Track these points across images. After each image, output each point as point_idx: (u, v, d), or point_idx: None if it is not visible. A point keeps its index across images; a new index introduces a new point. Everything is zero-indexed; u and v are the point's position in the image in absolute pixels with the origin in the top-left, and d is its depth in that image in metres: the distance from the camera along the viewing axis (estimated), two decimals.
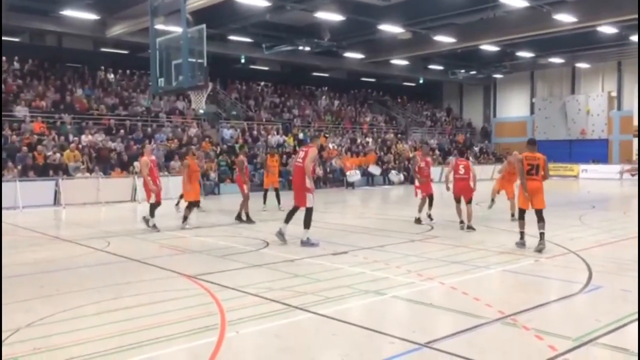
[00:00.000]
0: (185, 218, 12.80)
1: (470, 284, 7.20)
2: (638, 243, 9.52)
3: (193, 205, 13.14)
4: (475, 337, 5.17)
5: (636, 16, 22.30)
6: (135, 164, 21.15)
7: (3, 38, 23.88)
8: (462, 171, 12.67)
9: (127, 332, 5.27)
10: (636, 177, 30.43)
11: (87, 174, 19.80)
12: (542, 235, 9.26)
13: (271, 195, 16.41)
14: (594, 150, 34.48)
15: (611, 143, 34.92)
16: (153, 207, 12.42)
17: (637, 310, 5.81)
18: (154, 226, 12.33)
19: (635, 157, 33.04)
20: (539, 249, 9.15)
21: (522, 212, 9.62)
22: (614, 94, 34.87)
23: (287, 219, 10.09)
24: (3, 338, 5.12)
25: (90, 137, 22.10)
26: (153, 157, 13.05)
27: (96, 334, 5.22)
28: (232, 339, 5.15)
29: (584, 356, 4.75)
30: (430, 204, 13.58)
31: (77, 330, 5.37)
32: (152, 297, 6.58)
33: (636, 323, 5.51)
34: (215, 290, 6.82)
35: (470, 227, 11.97)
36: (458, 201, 12.52)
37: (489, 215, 15.30)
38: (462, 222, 12.33)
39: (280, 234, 10.10)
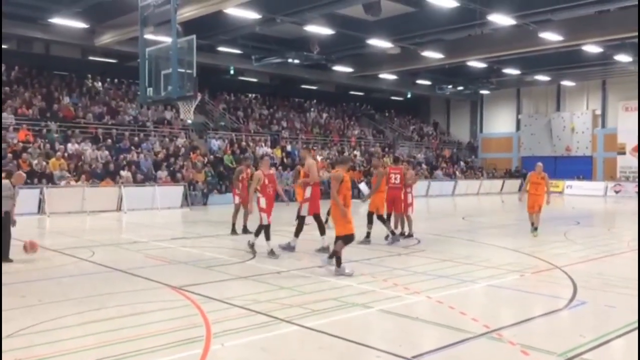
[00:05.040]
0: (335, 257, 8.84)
1: (457, 298, 7.22)
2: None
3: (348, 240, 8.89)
4: (461, 351, 5.18)
5: (620, 36, 22.77)
6: (122, 173, 21.04)
7: None
8: (396, 180, 12.43)
9: (111, 344, 5.19)
10: (621, 193, 30.91)
11: (73, 183, 19.60)
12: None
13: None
14: (578, 167, 34.87)
15: (595, 160, 35.37)
16: (264, 228, 10.07)
17: (622, 325, 5.87)
18: (272, 252, 10.02)
19: (618, 174, 33.51)
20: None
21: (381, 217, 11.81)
22: (598, 112, 35.37)
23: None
24: None
25: (76, 145, 21.92)
26: (271, 171, 10.78)
27: (79, 345, 5.14)
28: (217, 351, 5.10)
29: None
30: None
31: (60, 341, 5.29)
32: (136, 308, 6.50)
33: (620, 339, 5.57)
34: (200, 302, 6.76)
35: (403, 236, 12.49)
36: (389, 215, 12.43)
37: (475, 229, 15.39)
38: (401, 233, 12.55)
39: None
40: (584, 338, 5.49)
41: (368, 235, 11.83)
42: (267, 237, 10.02)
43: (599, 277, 8.65)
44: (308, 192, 10.66)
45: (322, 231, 10.64)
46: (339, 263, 8.58)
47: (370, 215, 11.91)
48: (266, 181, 10.11)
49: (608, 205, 26.48)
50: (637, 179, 32.07)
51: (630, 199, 29.47)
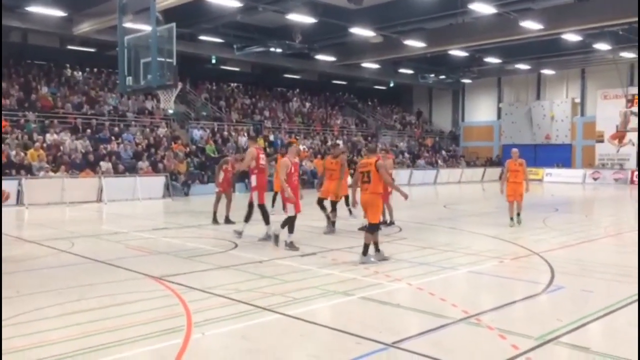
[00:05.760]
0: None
1: (437, 284, 7.30)
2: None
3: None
4: (441, 336, 5.25)
5: (599, 24, 23.01)
6: (102, 163, 20.78)
7: None
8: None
9: (91, 334, 5.17)
10: (599, 180, 31.41)
11: (52, 174, 19.34)
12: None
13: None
14: (558, 155, 35.31)
15: (574, 148, 35.84)
16: (291, 220, 9.73)
17: (599, 309, 6.01)
18: (273, 236, 10.02)
19: (597, 162, 34.02)
20: None
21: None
22: (578, 100, 35.78)
23: None
24: None
25: (55, 136, 21.61)
26: (296, 160, 10.21)
27: (59, 336, 5.11)
28: (198, 340, 5.11)
29: (546, 355, 4.85)
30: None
31: (39, 332, 5.24)
32: (116, 299, 6.47)
33: (597, 322, 5.71)
34: (181, 292, 6.75)
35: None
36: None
37: (456, 217, 15.53)
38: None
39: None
40: (561, 322, 5.59)
41: (333, 224, 12.01)
42: (288, 228, 9.67)
43: (576, 262, 8.80)
44: (253, 180, 10.77)
45: (267, 221, 10.69)
46: (366, 251, 8.48)
47: (321, 202, 12.17)
48: (292, 170, 9.68)
49: (586, 193, 26.88)
50: (614, 167, 32.71)
51: (608, 185, 29.99)
